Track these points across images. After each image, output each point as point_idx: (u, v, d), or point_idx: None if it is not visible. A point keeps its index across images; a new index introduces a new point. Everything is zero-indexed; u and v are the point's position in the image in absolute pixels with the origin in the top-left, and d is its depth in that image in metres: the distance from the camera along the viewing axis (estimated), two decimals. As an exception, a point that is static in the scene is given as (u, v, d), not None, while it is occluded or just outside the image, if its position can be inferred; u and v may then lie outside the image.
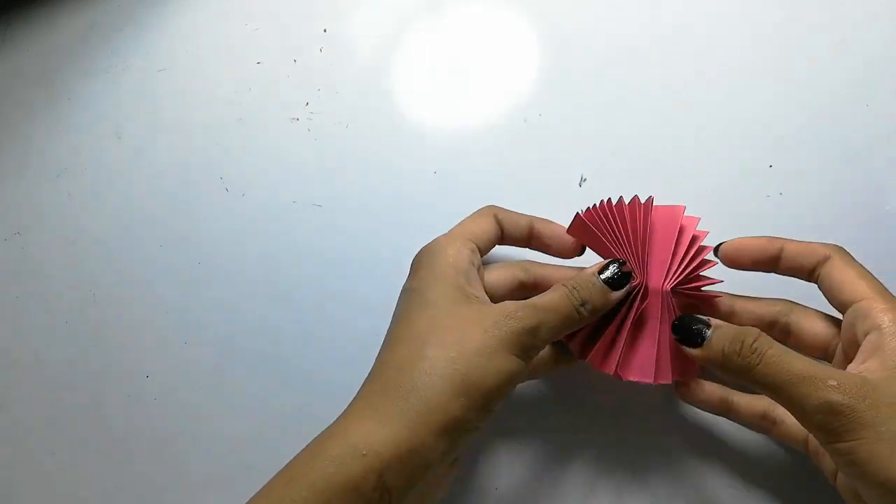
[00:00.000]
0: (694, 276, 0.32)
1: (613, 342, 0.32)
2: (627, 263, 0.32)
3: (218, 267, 0.42)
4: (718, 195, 0.39)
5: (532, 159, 0.42)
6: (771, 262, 0.32)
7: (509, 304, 0.29)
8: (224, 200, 0.44)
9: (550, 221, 0.35)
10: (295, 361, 0.40)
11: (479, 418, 0.27)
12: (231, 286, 0.42)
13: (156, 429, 0.40)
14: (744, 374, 0.27)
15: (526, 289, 0.34)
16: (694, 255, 0.32)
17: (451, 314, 0.29)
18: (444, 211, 0.42)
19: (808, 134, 0.40)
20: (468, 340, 0.27)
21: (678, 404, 0.36)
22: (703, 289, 0.32)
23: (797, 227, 0.38)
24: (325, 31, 0.47)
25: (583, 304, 0.30)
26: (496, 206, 0.35)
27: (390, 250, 0.41)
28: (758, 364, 0.26)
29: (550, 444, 0.36)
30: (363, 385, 0.29)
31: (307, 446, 0.28)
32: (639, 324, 0.32)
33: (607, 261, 0.32)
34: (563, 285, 0.30)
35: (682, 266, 0.32)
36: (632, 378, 0.32)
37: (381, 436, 0.25)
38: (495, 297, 0.32)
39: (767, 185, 0.39)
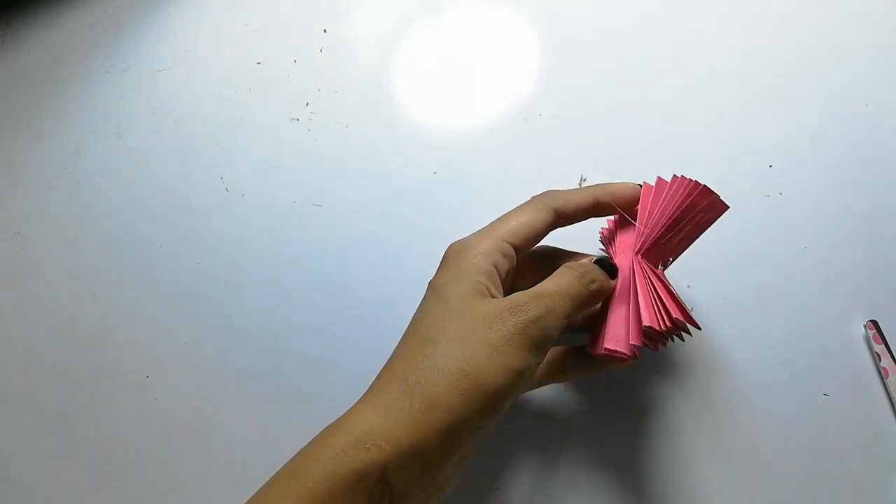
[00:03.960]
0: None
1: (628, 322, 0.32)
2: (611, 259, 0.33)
3: (218, 267, 0.42)
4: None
5: (532, 159, 0.42)
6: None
7: (517, 297, 0.29)
8: (224, 200, 0.44)
9: (608, 185, 0.34)
10: (295, 361, 0.40)
11: (484, 418, 0.26)
12: (231, 286, 0.42)
13: (156, 429, 0.40)
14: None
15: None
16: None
17: (461, 310, 0.28)
18: (444, 211, 0.42)
19: (808, 134, 0.40)
20: (474, 337, 0.27)
21: (681, 404, 0.36)
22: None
23: (797, 227, 0.38)
24: (325, 31, 0.47)
25: (592, 282, 0.30)
26: (555, 194, 0.33)
27: (390, 250, 0.41)
28: None
29: (551, 444, 0.36)
30: (374, 379, 0.29)
31: (314, 439, 0.28)
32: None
33: (598, 257, 0.33)
34: (568, 267, 0.31)
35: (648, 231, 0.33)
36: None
37: (384, 430, 0.25)
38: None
39: (767, 185, 0.39)
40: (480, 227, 0.33)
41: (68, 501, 0.39)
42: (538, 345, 0.28)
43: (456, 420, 0.26)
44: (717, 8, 0.44)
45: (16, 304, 0.43)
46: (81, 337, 0.42)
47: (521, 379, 0.27)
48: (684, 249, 0.33)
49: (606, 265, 0.32)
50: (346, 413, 0.28)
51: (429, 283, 0.32)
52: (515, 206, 0.33)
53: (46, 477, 0.39)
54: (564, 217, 0.33)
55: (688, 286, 0.38)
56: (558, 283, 0.30)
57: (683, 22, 0.44)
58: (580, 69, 0.44)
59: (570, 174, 0.41)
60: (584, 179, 0.41)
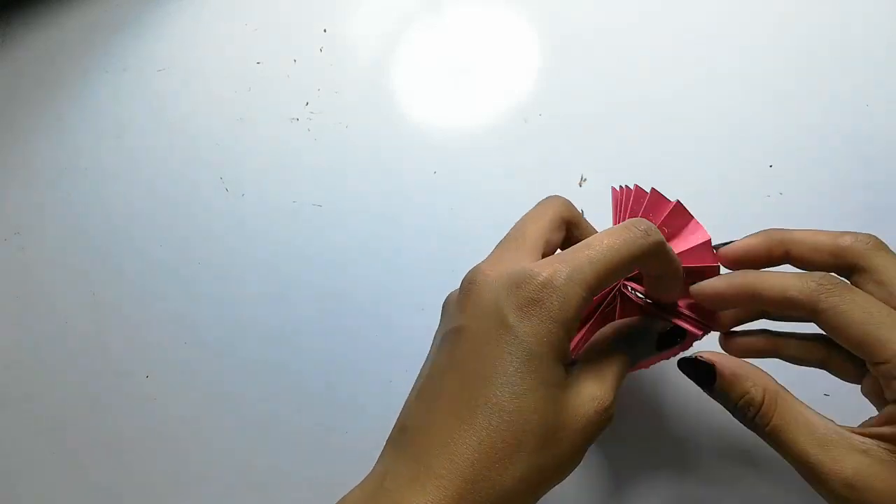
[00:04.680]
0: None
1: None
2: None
3: (218, 267, 0.42)
4: (718, 195, 0.39)
5: (532, 159, 0.42)
6: (779, 261, 0.30)
7: (600, 394, 0.26)
8: (224, 200, 0.44)
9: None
10: (293, 361, 0.40)
11: None
12: (231, 286, 0.42)
13: (156, 429, 0.40)
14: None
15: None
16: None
17: (544, 401, 0.25)
18: (444, 211, 0.42)
19: (808, 134, 0.40)
20: (555, 448, 0.25)
21: (681, 406, 0.36)
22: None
23: (797, 227, 0.38)
24: (325, 31, 0.47)
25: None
26: (647, 234, 0.27)
27: (390, 250, 0.41)
28: (766, 426, 0.26)
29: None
30: (445, 441, 0.25)
31: None
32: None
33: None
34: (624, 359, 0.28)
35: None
36: None
37: None
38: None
39: (767, 185, 0.39)
40: (506, 226, 0.30)
41: (67, 501, 0.39)
42: None
43: None
44: (717, 8, 0.44)
45: (16, 304, 0.43)
46: (81, 337, 0.42)
47: None
48: None
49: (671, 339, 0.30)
50: (416, 490, 0.25)
51: (505, 321, 0.26)
52: (611, 233, 0.27)
53: (46, 477, 0.39)
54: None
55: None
56: (620, 374, 0.28)
57: (683, 22, 0.44)
58: (580, 69, 0.44)
59: (570, 174, 0.41)
60: (585, 179, 0.41)
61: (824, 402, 0.35)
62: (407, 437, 0.27)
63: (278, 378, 0.40)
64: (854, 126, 0.40)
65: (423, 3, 0.47)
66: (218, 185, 0.44)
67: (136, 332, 0.42)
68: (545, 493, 0.26)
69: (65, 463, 0.40)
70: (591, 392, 0.27)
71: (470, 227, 0.41)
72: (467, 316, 0.28)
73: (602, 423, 0.26)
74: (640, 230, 0.27)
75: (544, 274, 0.26)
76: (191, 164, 0.45)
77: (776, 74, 0.42)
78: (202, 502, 0.38)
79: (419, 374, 0.30)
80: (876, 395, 0.27)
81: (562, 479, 0.26)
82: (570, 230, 0.31)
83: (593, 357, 0.29)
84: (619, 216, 0.32)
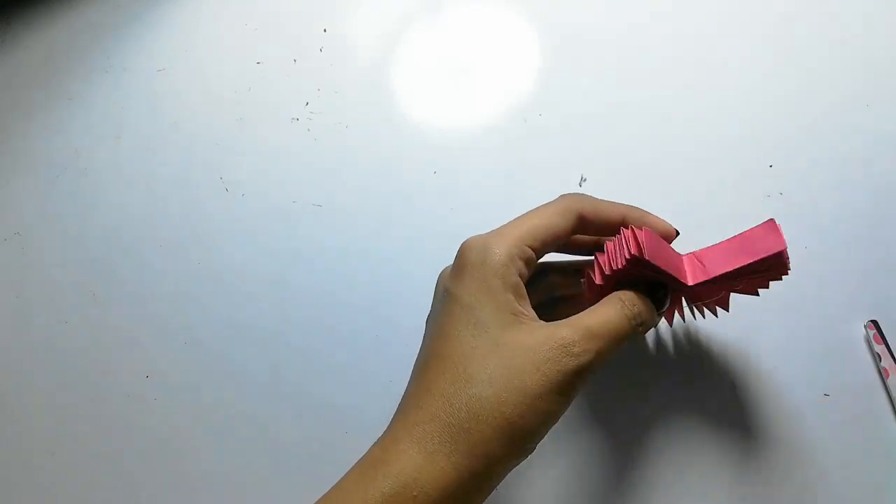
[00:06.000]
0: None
1: None
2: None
3: (218, 267, 0.42)
4: (718, 195, 0.40)
5: (532, 159, 0.42)
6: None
7: (565, 332, 0.27)
8: (224, 200, 0.44)
9: (645, 212, 0.32)
10: (293, 362, 0.40)
11: (519, 459, 0.27)
12: (231, 286, 0.42)
13: (156, 429, 0.40)
14: None
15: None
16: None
17: (502, 342, 0.27)
18: (444, 211, 0.42)
19: (808, 134, 0.40)
20: (518, 379, 0.26)
21: (679, 406, 0.36)
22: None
23: (797, 227, 0.38)
24: (325, 31, 0.47)
25: (641, 324, 0.29)
26: (583, 198, 0.31)
27: (390, 250, 0.41)
28: None
29: (550, 444, 0.36)
30: (406, 406, 0.28)
31: (353, 472, 0.27)
32: None
33: (653, 282, 0.30)
34: (620, 300, 0.29)
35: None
36: None
37: (429, 476, 0.25)
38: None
39: (767, 185, 0.39)
40: (497, 226, 0.31)
41: (67, 501, 0.39)
42: (578, 390, 0.27)
43: (495, 464, 0.26)
44: (716, 8, 0.44)
45: (16, 304, 0.43)
46: (81, 337, 0.42)
47: (557, 420, 0.27)
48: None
49: (661, 295, 0.30)
50: (385, 444, 0.27)
51: (447, 290, 0.29)
52: (540, 205, 0.31)
53: (46, 477, 0.39)
54: (586, 226, 0.31)
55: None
56: (607, 323, 0.28)
57: (683, 22, 0.44)
58: (580, 69, 0.44)
59: (570, 174, 0.41)
60: (584, 179, 0.41)
61: (824, 401, 0.35)
62: (407, 409, 0.28)
63: (278, 378, 0.40)
64: (854, 126, 0.40)
65: (423, 3, 0.47)
66: (217, 185, 0.44)
67: (136, 333, 0.42)
68: (525, 440, 0.26)
69: (64, 463, 0.40)
70: (550, 332, 0.27)
71: (470, 227, 0.41)
72: (433, 303, 0.32)
73: (563, 363, 0.26)
74: (563, 199, 0.31)
75: (468, 242, 0.30)
76: (190, 164, 0.45)
77: (776, 74, 0.42)
78: (201, 502, 0.38)
79: None
80: None
81: (540, 430, 0.27)
82: (587, 221, 0.31)
83: (584, 312, 0.29)
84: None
